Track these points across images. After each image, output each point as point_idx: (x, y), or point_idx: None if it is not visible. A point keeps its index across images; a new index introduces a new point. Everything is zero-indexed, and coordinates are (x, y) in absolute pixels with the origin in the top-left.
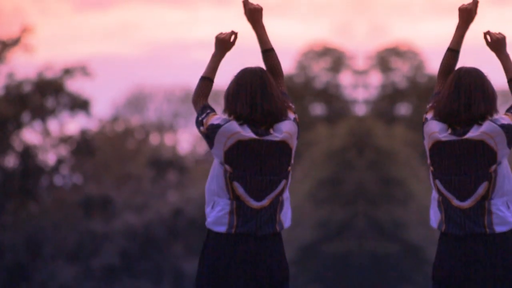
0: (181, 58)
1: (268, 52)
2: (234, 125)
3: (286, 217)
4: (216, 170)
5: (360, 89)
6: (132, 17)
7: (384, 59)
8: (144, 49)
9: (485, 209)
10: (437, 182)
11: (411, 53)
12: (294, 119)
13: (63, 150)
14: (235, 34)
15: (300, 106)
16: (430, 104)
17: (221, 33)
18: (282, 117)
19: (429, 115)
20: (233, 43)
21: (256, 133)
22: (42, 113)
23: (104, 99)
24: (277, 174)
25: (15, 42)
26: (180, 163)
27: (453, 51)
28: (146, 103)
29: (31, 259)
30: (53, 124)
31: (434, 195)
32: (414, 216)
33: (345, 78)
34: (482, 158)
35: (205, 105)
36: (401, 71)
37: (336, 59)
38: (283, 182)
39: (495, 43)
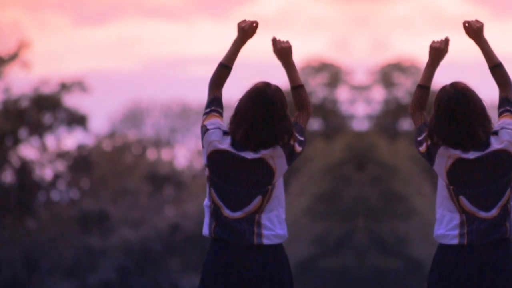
0: (178, 73)
1: (297, 89)
2: (215, 135)
3: (264, 235)
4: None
5: (359, 104)
6: (130, 32)
7: (387, 74)
8: (142, 64)
9: (509, 214)
10: (462, 198)
11: (414, 68)
12: (288, 145)
13: (60, 166)
14: (256, 23)
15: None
16: (423, 135)
17: (243, 21)
18: (275, 143)
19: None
20: (254, 32)
21: (233, 146)
22: (39, 129)
23: (101, 114)
24: (252, 188)
25: (12, 57)
26: (177, 178)
27: (424, 88)
28: (143, 118)
29: (28, 275)
30: (50, 140)
31: (452, 216)
32: (417, 232)
33: (342, 93)
34: (507, 166)
35: (214, 97)
36: (404, 86)
37: (333, 74)
38: (259, 198)
39: (475, 31)
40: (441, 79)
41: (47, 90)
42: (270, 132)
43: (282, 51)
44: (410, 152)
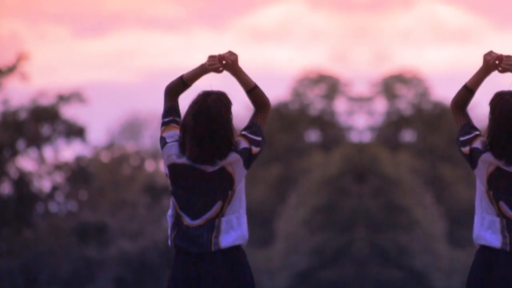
0: None
1: (252, 91)
2: (174, 148)
3: (224, 239)
4: None
5: (357, 115)
6: (129, 43)
7: (389, 86)
8: (140, 75)
9: None
10: (502, 203)
11: (416, 80)
12: (244, 150)
13: (58, 177)
14: (222, 70)
15: (295, 133)
16: (467, 137)
17: (213, 59)
18: (228, 152)
19: (478, 144)
20: (220, 72)
21: (191, 160)
22: (37, 140)
23: (99, 126)
24: (209, 197)
25: (11, 69)
26: None
27: (469, 91)
28: (141, 129)
29: (26, 286)
30: (48, 151)
31: (493, 218)
32: (419, 243)
33: (340, 105)
34: None
35: (172, 106)
36: (406, 98)
37: (331, 86)
38: (219, 203)
39: (230, 65)
40: (443, 89)
41: (45, 101)
42: (215, 148)
43: (232, 64)
44: (412, 163)
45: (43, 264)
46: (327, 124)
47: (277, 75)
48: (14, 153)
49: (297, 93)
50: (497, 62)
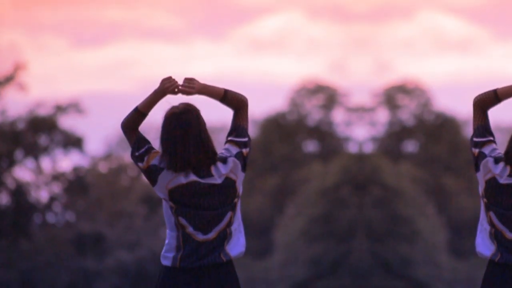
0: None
1: (224, 98)
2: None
3: (234, 246)
4: (163, 203)
5: (356, 125)
6: (127, 54)
7: (391, 97)
8: (139, 86)
9: None
10: (491, 214)
11: (418, 90)
12: (238, 154)
13: (56, 188)
14: (180, 89)
15: (293, 143)
16: (480, 139)
17: (170, 81)
18: (216, 157)
19: (487, 150)
20: (177, 93)
21: (197, 175)
22: (35, 151)
23: (97, 136)
24: (222, 207)
25: (8, 79)
26: None
27: (497, 98)
28: None
29: None
30: (46, 162)
31: (486, 226)
32: (421, 253)
33: (338, 115)
34: None
35: (139, 137)
36: (408, 108)
37: (329, 96)
38: (229, 214)
39: (197, 91)
40: (445, 99)
41: (43, 112)
42: (190, 150)
43: (198, 88)
44: (414, 174)
45: (41, 275)
46: (325, 134)
47: (275, 86)
48: (12, 163)
49: (295, 104)
50: None
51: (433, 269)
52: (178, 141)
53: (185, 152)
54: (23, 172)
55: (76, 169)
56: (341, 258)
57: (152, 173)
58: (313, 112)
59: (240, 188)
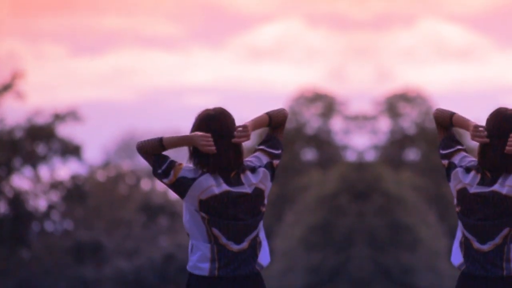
0: (173, 103)
1: (270, 121)
2: (207, 179)
3: (264, 256)
4: (191, 214)
5: (354, 134)
6: (126, 62)
7: (393, 105)
8: (137, 94)
9: (503, 253)
10: (460, 223)
11: (419, 99)
12: (267, 164)
13: (54, 196)
14: (213, 151)
15: (291, 152)
16: (448, 151)
17: (207, 140)
18: (240, 162)
19: (456, 160)
20: (206, 152)
21: (228, 184)
22: (33, 159)
23: (95, 145)
24: (253, 217)
25: (6, 88)
26: (171, 209)
27: (451, 123)
28: None
29: None
30: (44, 170)
31: (458, 234)
32: (422, 261)
33: (337, 124)
34: (508, 208)
35: (158, 155)
36: (410, 117)
37: (327, 104)
38: (260, 223)
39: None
40: (446, 107)
41: (41, 120)
42: (224, 152)
43: (251, 131)
44: (415, 182)
45: (39, 283)
46: (323, 143)
47: (273, 94)
48: (10, 171)
49: (293, 112)
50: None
51: (434, 277)
52: (217, 140)
53: (220, 153)
54: (21, 180)
55: (74, 178)
56: (340, 266)
57: (182, 185)
58: (312, 121)
59: (267, 198)
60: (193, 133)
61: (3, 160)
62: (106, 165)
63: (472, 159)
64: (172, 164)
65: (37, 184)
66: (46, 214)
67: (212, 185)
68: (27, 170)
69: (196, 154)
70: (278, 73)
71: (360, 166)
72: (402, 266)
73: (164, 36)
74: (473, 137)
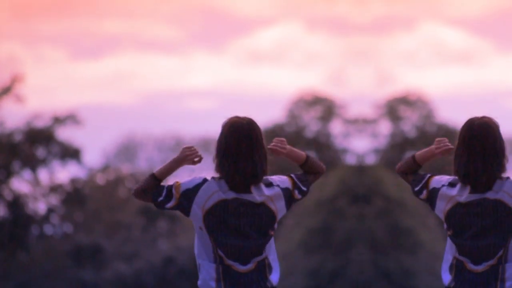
0: (173, 107)
1: (306, 162)
2: (211, 184)
3: (274, 275)
4: (198, 234)
5: (353, 137)
6: (126, 65)
7: (393, 108)
8: (137, 97)
9: (498, 273)
10: (452, 246)
11: (420, 102)
12: (286, 189)
13: (54, 199)
14: (200, 157)
15: None
16: (420, 185)
17: (189, 149)
18: (262, 178)
19: (435, 183)
20: (195, 163)
21: (235, 190)
22: (32, 162)
23: (95, 148)
24: (258, 235)
25: (5, 91)
26: (170, 212)
27: (417, 164)
28: (137, 151)
29: None
30: (43, 173)
31: (447, 257)
32: (423, 265)
33: (336, 127)
34: (501, 220)
35: (157, 187)
36: (411, 120)
37: (326, 108)
38: (268, 246)
39: (284, 154)
40: (446, 111)
41: (40, 123)
42: (255, 163)
43: (281, 149)
44: None
45: (39, 287)
46: (323, 146)
47: (273, 97)
48: (9, 175)
49: (293, 115)
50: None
51: (434, 280)
52: (234, 149)
53: (248, 165)
54: (20, 183)
55: (73, 181)
56: (339, 269)
57: (187, 199)
58: (311, 124)
59: (276, 222)
60: (180, 152)
61: (3, 164)
62: (105, 168)
63: (451, 177)
64: (170, 186)
65: (36, 187)
66: (46, 218)
67: (216, 191)
68: (27, 174)
69: (226, 166)
70: (278, 77)
71: (360, 169)
72: (402, 269)
73: (164, 39)
74: (439, 150)
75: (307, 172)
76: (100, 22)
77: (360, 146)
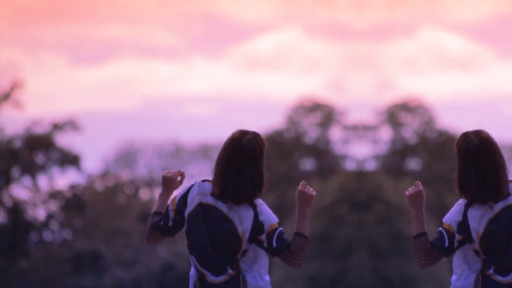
0: (173, 113)
1: (298, 235)
2: (196, 187)
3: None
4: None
5: (353, 143)
6: (125, 72)
7: (394, 115)
8: (137, 103)
9: None
10: (477, 262)
11: (421, 109)
12: (260, 224)
13: (53, 206)
14: (182, 174)
15: (290, 161)
16: (444, 232)
17: (168, 172)
18: (247, 198)
19: (454, 223)
20: (180, 182)
21: (215, 197)
22: (31, 169)
23: (94, 154)
24: (233, 250)
25: (4, 97)
26: None
27: (424, 234)
28: (136, 158)
29: None
30: (42, 180)
31: (468, 273)
32: (423, 271)
33: (335, 133)
34: None
35: (156, 217)
36: (411, 127)
37: (326, 114)
38: (247, 261)
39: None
40: (447, 117)
41: (39, 130)
42: (240, 182)
43: (307, 197)
44: None
45: None
46: (322, 152)
47: (273, 103)
48: (9, 181)
49: (292, 122)
50: (416, 190)
51: (435, 287)
52: (229, 166)
53: (238, 183)
54: (20, 190)
55: (73, 187)
56: (339, 276)
57: (181, 205)
58: (311, 130)
59: (245, 246)
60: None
61: (2, 170)
62: (105, 174)
63: (456, 207)
64: (167, 209)
65: (36, 193)
66: (45, 224)
67: (197, 194)
68: (26, 180)
69: (220, 181)
70: (277, 83)
71: (360, 175)
72: (403, 275)
73: (164, 45)
74: (408, 197)
75: (293, 246)
76: (100, 28)
77: (360, 152)
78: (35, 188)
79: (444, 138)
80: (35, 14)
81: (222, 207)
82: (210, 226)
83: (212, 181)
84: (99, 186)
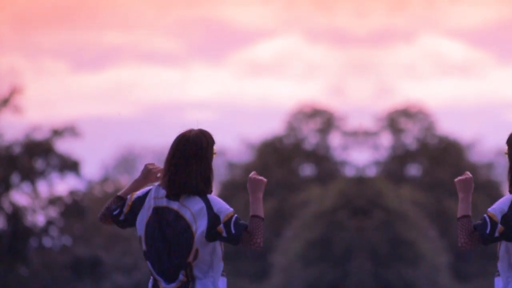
0: (173, 119)
1: (254, 217)
2: (152, 191)
3: None
4: None
5: (352, 149)
6: (126, 77)
7: (394, 120)
8: (137, 109)
9: None
10: None
11: (421, 114)
12: (213, 216)
13: (52, 212)
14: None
15: (290, 167)
16: (486, 219)
17: (153, 164)
18: (198, 192)
19: (500, 209)
20: (159, 179)
21: (168, 198)
22: (31, 175)
23: (93, 160)
24: (185, 250)
25: (4, 102)
26: None
27: (468, 217)
28: (136, 163)
29: None
30: (42, 185)
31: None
32: (424, 277)
33: (335, 139)
34: None
35: (117, 202)
36: (412, 132)
37: (326, 120)
38: (201, 266)
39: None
40: (447, 123)
41: (39, 136)
42: (186, 174)
43: (257, 181)
44: (416, 197)
45: None
46: (322, 158)
47: (272, 109)
48: (8, 187)
49: (292, 128)
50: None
51: None
52: (174, 159)
53: (185, 177)
54: (19, 196)
55: (72, 193)
56: (339, 282)
57: (136, 205)
58: (310, 136)
59: (197, 244)
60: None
61: (1, 176)
62: (104, 180)
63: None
64: (124, 201)
65: (35, 199)
66: (45, 230)
67: (153, 197)
68: (26, 186)
69: (166, 177)
70: (277, 89)
71: (360, 181)
72: (403, 281)
73: (164, 51)
74: (458, 182)
75: (250, 228)
76: (100, 34)
77: (360, 158)
78: (35, 194)
79: (445, 144)
80: (35, 20)
81: (174, 205)
82: (164, 228)
83: (163, 180)
84: (98, 192)
